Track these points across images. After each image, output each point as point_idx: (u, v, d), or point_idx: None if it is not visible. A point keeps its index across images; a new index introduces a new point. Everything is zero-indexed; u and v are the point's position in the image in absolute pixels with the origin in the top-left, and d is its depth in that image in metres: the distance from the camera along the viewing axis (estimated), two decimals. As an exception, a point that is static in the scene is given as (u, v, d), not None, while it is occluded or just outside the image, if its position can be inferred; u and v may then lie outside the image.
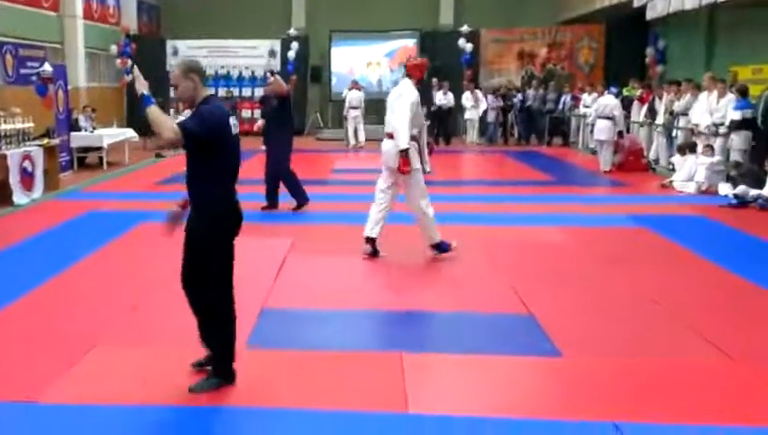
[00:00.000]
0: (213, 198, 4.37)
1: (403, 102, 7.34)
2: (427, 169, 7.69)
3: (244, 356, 4.96)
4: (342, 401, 4.27)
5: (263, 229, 9.13)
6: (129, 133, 17.72)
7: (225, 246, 4.46)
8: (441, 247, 7.65)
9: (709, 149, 12.52)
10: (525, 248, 8.14)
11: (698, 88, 14.48)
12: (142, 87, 4.45)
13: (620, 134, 14.89)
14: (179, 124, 4.23)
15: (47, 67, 14.17)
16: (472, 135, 21.45)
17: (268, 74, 12.96)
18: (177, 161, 16.97)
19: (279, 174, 10.28)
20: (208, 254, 4.38)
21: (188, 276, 4.48)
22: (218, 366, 4.47)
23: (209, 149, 4.26)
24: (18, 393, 4.30)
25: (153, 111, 4.25)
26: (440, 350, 5.12)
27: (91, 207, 10.68)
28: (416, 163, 7.41)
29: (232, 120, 4.39)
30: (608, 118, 14.84)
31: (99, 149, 15.87)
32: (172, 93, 22.43)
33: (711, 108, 13.18)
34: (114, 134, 16.76)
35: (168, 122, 4.21)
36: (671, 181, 12.71)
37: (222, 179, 4.40)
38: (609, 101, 15.09)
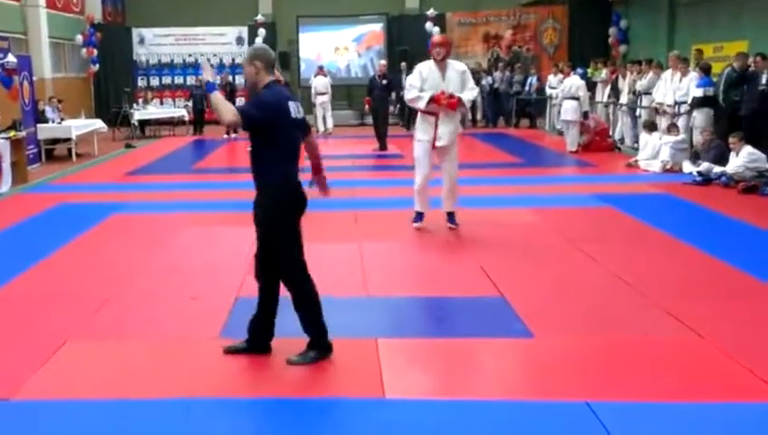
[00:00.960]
0: (274, 180, 4.58)
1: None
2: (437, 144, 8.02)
3: (220, 345, 5.01)
4: (319, 388, 4.32)
5: (236, 217, 9.15)
6: (98, 124, 17.59)
7: (291, 226, 4.64)
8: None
9: (674, 127, 12.71)
10: (495, 230, 8.23)
11: (660, 67, 14.69)
12: (208, 75, 4.76)
13: (585, 115, 15.05)
14: (239, 109, 4.49)
15: (11, 58, 13.99)
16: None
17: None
18: (147, 152, 16.93)
19: None
20: (276, 234, 4.60)
21: (262, 264, 4.72)
22: (316, 338, 4.70)
23: (268, 132, 4.50)
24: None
25: (215, 96, 4.51)
26: (415, 335, 5.18)
27: (61, 199, 10.61)
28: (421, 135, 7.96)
29: (292, 105, 4.58)
30: (573, 98, 15.00)
31: (67, 140, 15.73)
32: (140, 83, 22.21)
33: (674, 86, 13.38)
34: (82, 125, 16.62)
35: (228, 107, 4.45)
36: (636, 161, 12.89)
37: (282, 161, 4.59)
38: (575, 82, 15.22)
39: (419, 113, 8.12)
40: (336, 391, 4.30)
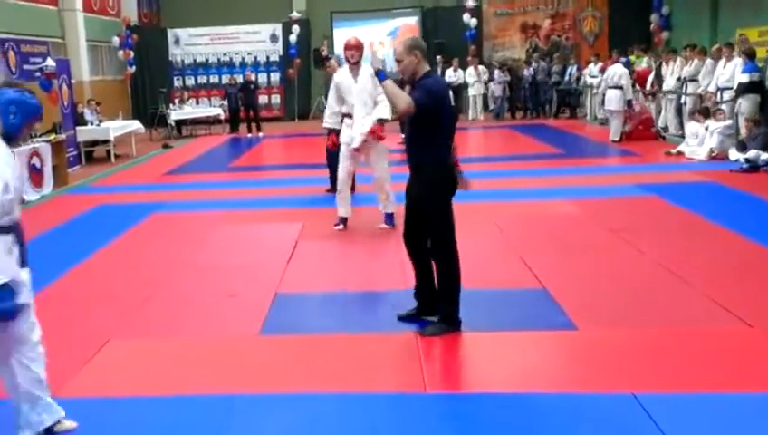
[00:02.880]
0: (431, 160, 4.88)
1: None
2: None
3: (260, 342, 4.98)
4: (360, 384, 4.27)
5: (273, 215, 9.15)
6: (136, 125, 17.74)
7: (445, 204, 4.93)
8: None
9: (720, 113, 12.42)
10: (536, 222, 8.11)
11: (704, 53, 14.38)
12: (377, 63, 5.36)
13: (629, 103, 14.77)
14: (411, 96, 4.76)
15: (50, 62, 14.17)
16: (475, 111, 21.31)
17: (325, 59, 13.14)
18: (184, 151, 17.05)
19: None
20: (429, 210, 4.92)
21: (411, 233, 5.12)
22: (446, 312, 4.98)
23: (433, 118, 4.80)
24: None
25: (388, 84, 4.84)
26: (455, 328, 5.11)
27: (102, 200, 10.70)
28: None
29: (449, 93, 4.92)
30: (617, 87, 14.73)
31: (106, 142, 15.90)
32: (176, 83, 22.44)
33: (718, 72, 13.10)
34: (120, 126, 16.77)
35: (402, 95, 4.76)
36: (678, 151, 12.63)
37: (439, 144, 4.89)
38: (618, 70, 14.92)
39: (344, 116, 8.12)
40: (377, 386, 4.24)
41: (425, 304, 5.21)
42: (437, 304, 5.09)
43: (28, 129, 3.73)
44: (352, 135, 7.86)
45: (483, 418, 3.81)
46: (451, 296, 4.98)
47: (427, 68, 4.98)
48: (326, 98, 8.81)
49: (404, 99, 4.71)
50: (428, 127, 4.82)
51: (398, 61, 5.00)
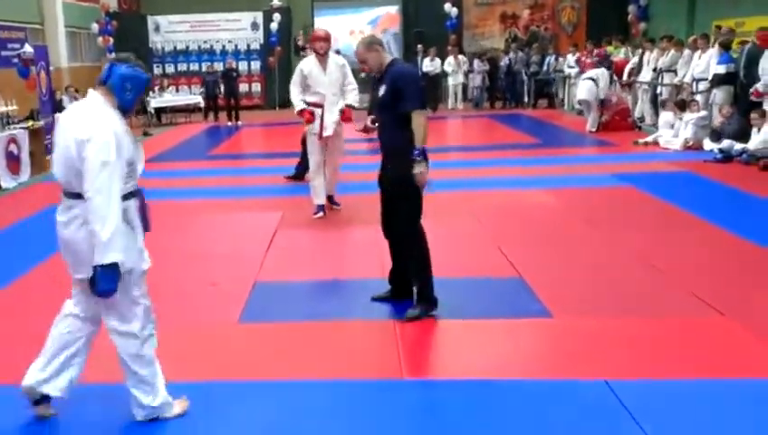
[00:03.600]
0: (407, 142, 4.94)
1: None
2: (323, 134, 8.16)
3: (239, 331, 5.02)
4: (338, 371, 4.31)
5: (253, 203, 9.17)
6: (114, 112, 17.61)
7: (416, 189, 5.03)
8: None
9: (694, 104, 12.57)
10: (513, 211, 8.19)
11: (681, 44, 14.52)
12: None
13: (602, 102, 14.96)
14: (418, 103, 4.99)
15: (28, 48, 14.03)
16: (455, 101, 21.40)
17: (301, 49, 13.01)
18: (163, 139, 16.98)
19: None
20: (405, 191, 5.01)
21: (388, 220, 5.24)
22: (422, 295, 5.13)
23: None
24: (13, 377, 4.30)
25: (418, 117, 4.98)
26: (432, 316, 5.15)
27: (80, 188, 10.63)
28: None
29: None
30: (590, 78, 14.91)
31: (84, 129, 15.78)
32: (156, 70, 22.21)
33: (693, 63, 13.24)
34: (99, 114, 16.63)
35: (422, 124, 4.96)
36: (645, 141, 12.84)
37: (410, 127, 4.95)
38: (598, 71, 15.20)
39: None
40: (355, 373, 4.29)
41: (397, 286, 5.38)
42: (409, 287, 5.25)
43: (138, 102, 3.84)
44: (320, 124, 8.01)
45: (458, 404, 3.86)
46: (423, 277, 5.10)
47: (390, 58, 5.19)
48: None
49: (423, 122, 4.96)
50: (399, 109, 4.94)
51: (362, 62, 5.15)
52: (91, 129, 3.40)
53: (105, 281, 3.42)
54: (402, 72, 5.05)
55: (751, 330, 4.66)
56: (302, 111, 8.08)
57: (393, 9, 24.08)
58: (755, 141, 10.55)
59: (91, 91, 3.63)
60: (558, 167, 11.04)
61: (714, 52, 12.67)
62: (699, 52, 13.15)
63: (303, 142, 9.69)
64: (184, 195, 9.86)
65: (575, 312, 5.13)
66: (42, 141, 12.92)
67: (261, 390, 4.13)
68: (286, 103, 23.50)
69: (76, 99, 16.18)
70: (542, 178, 10.01)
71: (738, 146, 10.77)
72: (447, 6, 22.51)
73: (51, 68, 15.42)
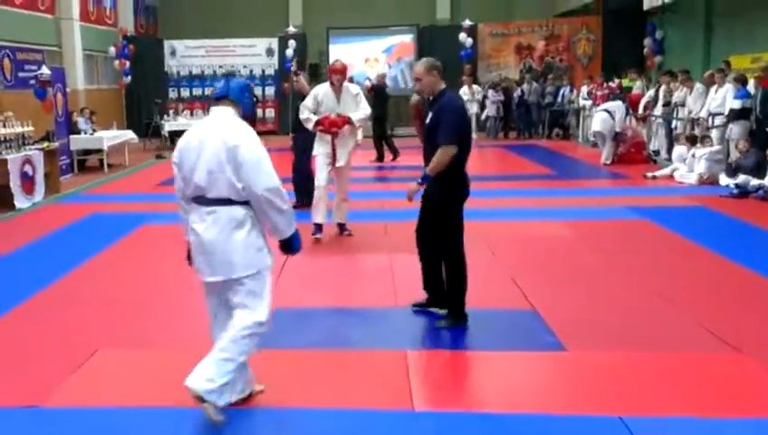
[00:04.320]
0: (451, 168, 5.30)
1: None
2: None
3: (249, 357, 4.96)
4: (348, 400, 4.27)
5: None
6: (129, 135, 17.75)
7: (459, 205, 5.47)
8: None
9: (707, 139, 12.53)
10: (527, 243, 8.14)
11: (692, 80, 14.54)
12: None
13: (617, 135, 14.94)
14: (451, 138, 5.25)
15: (45, 70, 14.15)
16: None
17: (293, 74, 13.21)
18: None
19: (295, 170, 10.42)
20: (446, 213, 5.42)
21: (424, 230, 5.61)
22: (455, 307, 5.49)
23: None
24: (22, 398, 4.30)
25: (443, 150, 5.28)
26: (444, 346, 5.12)
27: (93, 209, 10.69)
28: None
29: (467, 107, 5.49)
30: (605, 110, 14.89)
31: (99, 151, 15.89)
32: (171, 94, 22.26)
33: (710, 98, 13.22)
34: (114, 136, 16.77)
35: (443, 161, 5.27)
36: (653, 175, 12.81)
37: (461, 156, 5.35)
38: (613, 104, 15.23)
39: (317, 132, 8.42)
40: (365, 403, 4.24)
41: (434, 296, 5.71)
42: (445, 298, 5.60)
43: (255, 108, 4.33)
44: (332, 152, 8.24)
45: (469, 437, 3.79)
46: (459, 293, 5.48)
47: (443, 86, 5.45)
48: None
49: (444, 157, 5.24)
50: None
51: (418, 79, 5.47)
52: (238, 135, 3.86)
53: (297, 242, 4.13)
54: (444, 106, 5.36)
55: (766, 367, 4.58)
56: (319, 122, 8.21)
57: (408, 38, 24.22)
58: (772, 177, 10.48)
59: (215, 108, 4.03)
60: (573, 198, 10.99)
61: (730, 86, 12.64)
62: (716, 86, 13.12)
63: (295, 170, 10.07)
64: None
65: (589, 345, 5.07)
66: (56, 162, 12.99)
67: (267, 417, 4.09)
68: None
69: (91, 121, 16.31)
70: (556, 210, 9.96)
71: (755, 181, 10.70)
72: (462, 36, 22.60)
73: (67, 90, 15.57)
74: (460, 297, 5.48)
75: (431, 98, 5.48)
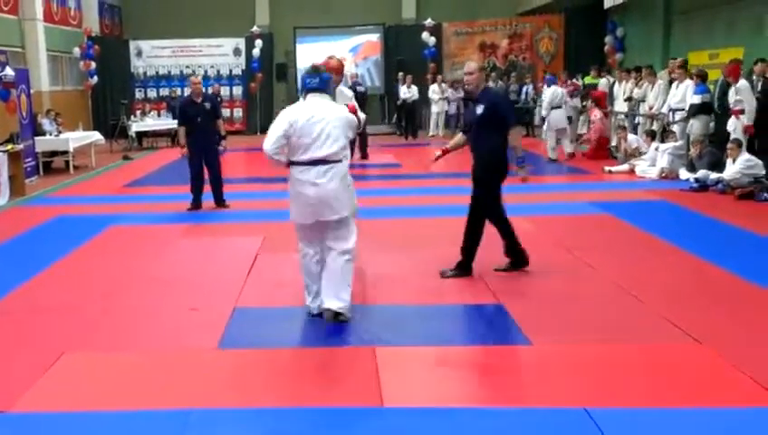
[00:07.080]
0: (491, 150, 6.55)
1: None
2: None
3: (218, 356, 5.01)
4: (318, 398, 4.31)
5: (234, 228, 9.17)
6: (95, 136, 17.59)
7: (498, 185, 6.69)
8: None
9: (671, 134, 12.75)
10: (492, 238, 8.20)
11: (654, 75, 14.79)
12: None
13: (570, 119, 15.34)
14: (508, 120, 6.62)
15: (9, 71, 14.01)
16: (436, 127, 21.59)
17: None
18: (144, 164, 16.94)
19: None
20: (489, 190, 6.64)
21: (474, 208, 6.72)
22: (515, 260, 6.82)
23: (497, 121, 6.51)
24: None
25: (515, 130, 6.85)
26: (412, 343, 5.16)
27: (59, 211, 10.62)
28: None
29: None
30: (558, 107, 15.23)
31: (65, 152, 15.75)
32: (138, 95, 22.22)
33: (670, 93, 13.44)
34: (80, 137, 16.63)
35: (518, 138, 6.92)
36: (610, 170, 13.10)
37: (502, 139, 6.55)
38: (557, 91, 15.50)
39: None
40: (334, 400, 4.28)
41: (515, 259, 6.80)
42: (519, 255, 6.79)
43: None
44: None
45: (437, 432, 3.87)
46: (510, 239, 6.77)
47: (484, 84, 6.79)
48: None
49: (519, 135, 6.97)
50: (498, 129, 6.48)
51: (470, 73, 6.55)
52: (344, 111, 5.58)
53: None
54: (499, 97, 7.23)
55: (727, 358, 4.69)
56: None
57: (374, 37, 24.27)
58: (730, 171, 10.70)
59: (314, 95, 5.49)
60: (536, 194, 11.08)
61: (690, 83, 12.86)
62: (676, 82, 13.35)
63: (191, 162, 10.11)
64: (164, 220, 9.85)
65: (555, 339, 5.15)
66: (21, 165, 12.87)
67: (239, 417, 4.11)
68: (267, 129, 23.61)
69: (57, 122, 16.16)
70: (520, 206, 10.00)
71: (714, 175, 10.92)
72: (425, 35, 22.78)
73: (31, 91, 15.42)
74: (515, 241, 6.75)
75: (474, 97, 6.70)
